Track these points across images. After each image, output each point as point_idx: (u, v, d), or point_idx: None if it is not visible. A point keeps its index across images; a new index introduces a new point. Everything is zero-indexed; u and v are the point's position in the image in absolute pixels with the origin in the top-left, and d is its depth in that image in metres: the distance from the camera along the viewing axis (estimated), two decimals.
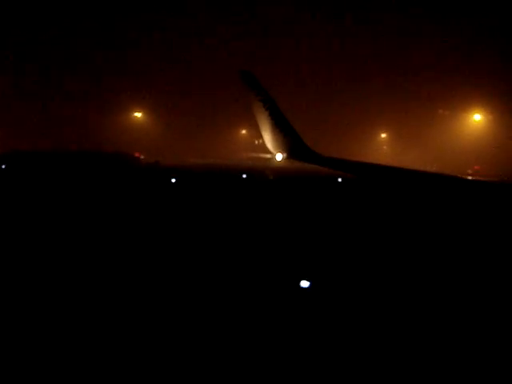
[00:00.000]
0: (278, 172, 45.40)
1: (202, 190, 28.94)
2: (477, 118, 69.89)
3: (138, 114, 71.17)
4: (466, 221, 12.81)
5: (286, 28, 76.43)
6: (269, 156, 11.27)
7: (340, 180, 35.85)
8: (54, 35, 67.97)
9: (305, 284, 10.48)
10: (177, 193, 28.20)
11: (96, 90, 69.56)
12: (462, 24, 66.79)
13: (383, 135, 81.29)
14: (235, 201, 24.87)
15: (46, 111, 64.74)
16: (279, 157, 11.20)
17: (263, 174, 44.47)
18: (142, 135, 69.03)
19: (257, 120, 11.20)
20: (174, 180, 34.64)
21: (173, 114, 72.47)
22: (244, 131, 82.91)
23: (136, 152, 59.20)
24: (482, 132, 67.67)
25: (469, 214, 11.40)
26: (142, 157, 59.54)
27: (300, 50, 76.64)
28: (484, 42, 68.61)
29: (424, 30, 70.29)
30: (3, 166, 36.99)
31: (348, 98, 76.31)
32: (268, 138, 11.19)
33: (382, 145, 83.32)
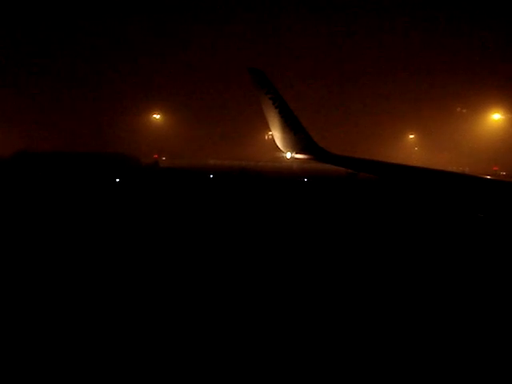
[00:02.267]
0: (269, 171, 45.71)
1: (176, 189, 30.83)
2: (495, 117, 67.91)
3: (157, 116, 71.68)
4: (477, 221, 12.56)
5: (312, 26, 75.95)
6: (281, 154, 11.27)
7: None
8: (73, 36, 69.19)
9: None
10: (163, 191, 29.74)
11: (118, 93, 70.53)
12: (484, 24, 65.46)
13: (411, 136, 79.91)
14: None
15: (67, 114, 66.20)
16: (289, 155, 11.23)
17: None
18: (168, 138, 69.78)
19: (266, 118, 11.25)
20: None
21: (197, 115, 73.02)
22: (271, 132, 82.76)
23: (155, 154, 61.31)
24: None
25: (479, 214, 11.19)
26: (164, 158, 61.54)
27: (326, 49, 76.25)
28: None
29: (449, 30, 69.09)
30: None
31: (371, 97, 75.48)
32: (278, 136, 11.22)
33: (411, 146, 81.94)
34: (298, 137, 11.09)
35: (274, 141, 11.31)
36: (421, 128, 76.95)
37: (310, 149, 11.12)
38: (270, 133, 11.37)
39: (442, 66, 73.32)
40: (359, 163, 11.22)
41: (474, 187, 9.79)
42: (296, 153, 11.15)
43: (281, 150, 11.25)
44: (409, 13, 68.66)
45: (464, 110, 68.44)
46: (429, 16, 66.79)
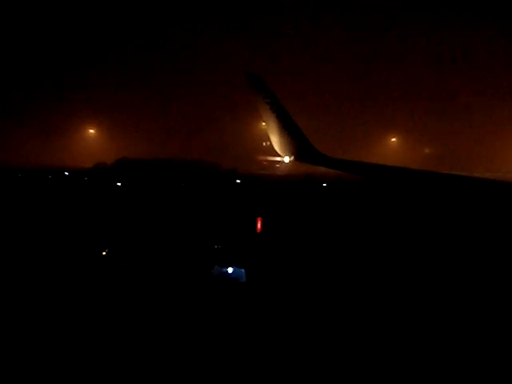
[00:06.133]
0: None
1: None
2: None
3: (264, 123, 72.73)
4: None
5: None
6: (277, 159, 11.20)
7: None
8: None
9: None
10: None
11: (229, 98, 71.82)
12: None
13: None
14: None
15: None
16: (287, 159, 11.10)
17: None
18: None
19: (264, 122, 11.23)
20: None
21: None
22: (394, 139, 79.12)
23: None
24: None
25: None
26: (278, 165, 62.97)
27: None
28: None
29: None
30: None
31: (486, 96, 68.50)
32: (276, 141, 11.15)
33: None
34: (296, 142, 10.94)
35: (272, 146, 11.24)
36: None
37: (308, 153, 10.91)
38: (268, 142, 11.29)
39: None
40: (358, 167, 10.77)
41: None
42: (294, 157, 10.99)
43: (279, 155, 11.16)
44: None
45: None
46: None
